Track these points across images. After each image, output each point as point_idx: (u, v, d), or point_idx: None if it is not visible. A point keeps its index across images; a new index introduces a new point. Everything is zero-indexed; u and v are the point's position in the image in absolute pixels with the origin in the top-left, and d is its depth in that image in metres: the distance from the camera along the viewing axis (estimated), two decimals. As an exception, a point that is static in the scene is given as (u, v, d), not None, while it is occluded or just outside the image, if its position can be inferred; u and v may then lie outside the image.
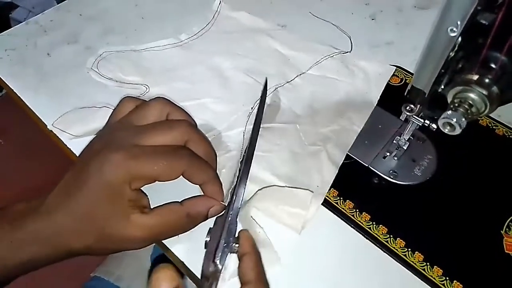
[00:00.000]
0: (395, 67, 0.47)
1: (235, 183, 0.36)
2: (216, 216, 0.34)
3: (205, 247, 0.32)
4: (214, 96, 0.44)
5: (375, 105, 0.43)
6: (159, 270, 0.26)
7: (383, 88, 0.45)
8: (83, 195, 0.29)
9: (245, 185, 0.34)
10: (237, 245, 0.31)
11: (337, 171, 0.38)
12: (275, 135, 0.41)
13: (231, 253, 0.31)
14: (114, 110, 0.35)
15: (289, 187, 0.36)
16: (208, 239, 0.32)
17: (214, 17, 0.53)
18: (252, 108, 0.43)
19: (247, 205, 0.35)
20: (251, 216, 0.35)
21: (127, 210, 0.29)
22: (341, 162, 0.39)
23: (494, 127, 0.42)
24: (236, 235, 0.32)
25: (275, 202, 0.35)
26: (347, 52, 0.49)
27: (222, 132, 0.41)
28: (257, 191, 0.36)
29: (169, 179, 0.30)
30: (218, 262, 0.30)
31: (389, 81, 0.46)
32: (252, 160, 0.35)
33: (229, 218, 0.32)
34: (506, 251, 0.34)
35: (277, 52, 0.49)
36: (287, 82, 0.46)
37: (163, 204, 0.31)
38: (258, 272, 0.29)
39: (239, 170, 0.37)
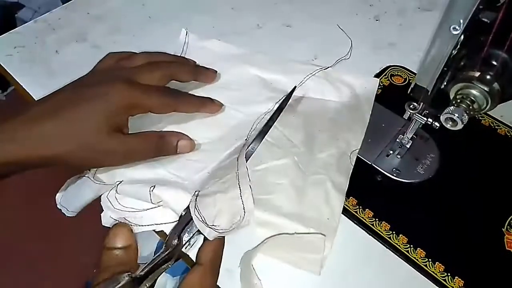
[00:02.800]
0: (379, 80, 0.46)
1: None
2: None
3: (178, 219, 0.33)
4: (203, 137, 0.40)
5: (367, 122, 0.42)
6: (117, 227, 0.29)
7: (372, 103, 0.43)
8: (83, 108, 0.32)
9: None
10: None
11: (344, 199, 0.37)
12: (274, 175, 0.38)
13: (199, 233, 0.32)
14: (99, 61, 0.39)
15: (299, 233, 0.34)
16: (184, 213, 0.33)
17: (183, 50, 0.49)
18: (246, 140, 0.40)
19: (253, 250, 0.34)
20: (252, 265, 0.33)
21: (114, 129, 0.33)
22: (346, 188, 0.37)
23: (496, 127, 0.43)
24: None
25: (289, 250, 0.34)
26: (329, 67, 0.47)
27: (211, 170, 0.38)
28: (265, 239, 0.34)
29: (163, 111, 0.37)
30: (183, 237, 0.31)
31: (392, 80, 0.47)
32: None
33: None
34: (507, 248, 0.34)
35: (257, 77, 0.46)
36: (276, 103, 0.43)
37: None
38: (214, 258, 0.31)
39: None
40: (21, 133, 0.31)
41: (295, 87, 0.44)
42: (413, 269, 0.34)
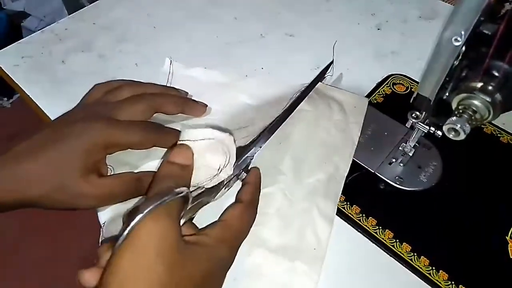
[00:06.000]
0: (368, 99, 0.45)
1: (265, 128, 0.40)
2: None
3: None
4: None
5: (356, 144, 0.41)
6: (182, 146, 0.31)
7: (361, 125, 0.43)
8: (57, 149, 0.32)
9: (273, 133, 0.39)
10: (245, 175, 0.36)
11: (332, 227, 0.36)
12: (261, 204, 0.36)
13: (238, 179, 0.36)
14: (86, 94, 0.40)
15: None
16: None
17: (168, 80, 0.48)
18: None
19: None
20: None
21: (89, 170, 0.32)
22: (334, 214, 0.37)
23: (498, 135, 0.43)
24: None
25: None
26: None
27: None
28: None
29: (142, 148, 0.36)
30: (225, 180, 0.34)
31: (394, 89, 0.47)
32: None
33: (246, 156, 0.37)
34: (511, 257, 0.34)
35: (246, 105, 0.45)
36: (265, 129, 0.41)
37: None
38: (252, 196, 0.34)
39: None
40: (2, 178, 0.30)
41: (332, 61, 0.44)
42: (417, 277, 0.34)
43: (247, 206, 0.33)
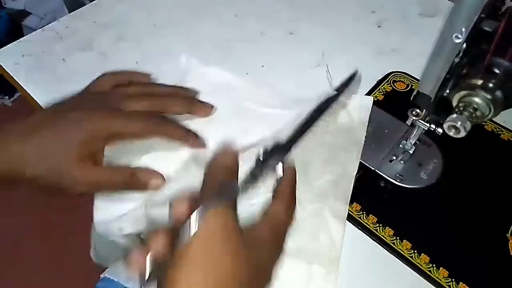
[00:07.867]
0: (372, 98, 0.45)
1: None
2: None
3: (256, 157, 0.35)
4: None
5: (362, 144, 0.41)
6: (226, 147, 0.31)
7: (366, 125, 0.42)
8: (57, 133, 0.32)
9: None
10: (281, 170, 0.35)
11: (345, 227, 0.36)
12: None
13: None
14: (95, 80, 0.39)
15: None
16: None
17: (184, 77, 0.47)
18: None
19: None
20: None
21: (86, 157, 0.33)
22: (346, 215, 0.37)
23: (499, 132, 0.43)
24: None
25: None
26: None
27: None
28: None
29: (143, 137, 0.36)
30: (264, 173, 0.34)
31: (394, 86, 0.47)
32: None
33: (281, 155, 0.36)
34: (512, 254, 0.35)
35: (254, 112, 0.44)
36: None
37: None
38: (292, 191, 0.33)
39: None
40: None
41: (357, 71, 0.43)
42: (417, 274, 0.34)
43: (289, 200, 0.33)
